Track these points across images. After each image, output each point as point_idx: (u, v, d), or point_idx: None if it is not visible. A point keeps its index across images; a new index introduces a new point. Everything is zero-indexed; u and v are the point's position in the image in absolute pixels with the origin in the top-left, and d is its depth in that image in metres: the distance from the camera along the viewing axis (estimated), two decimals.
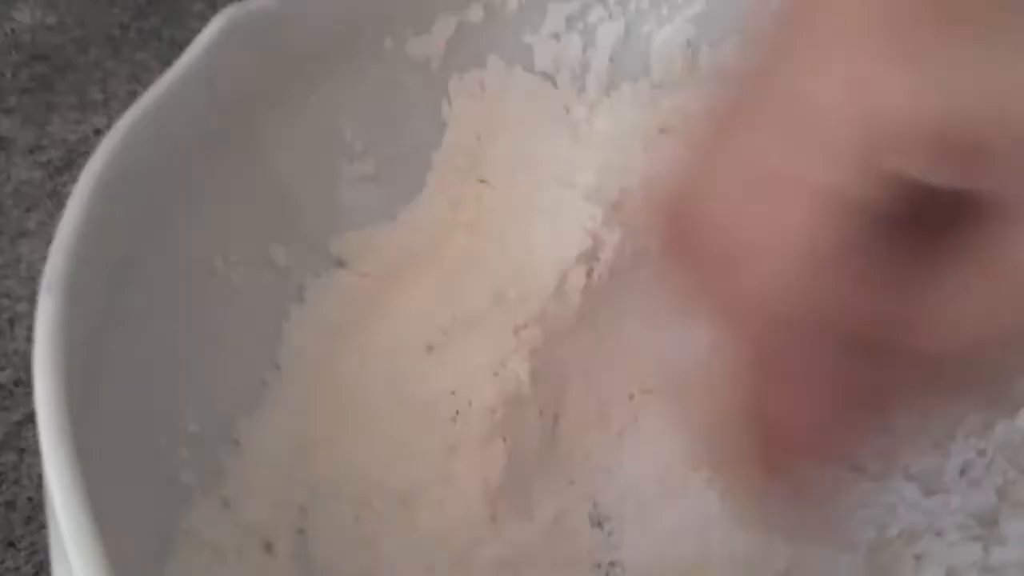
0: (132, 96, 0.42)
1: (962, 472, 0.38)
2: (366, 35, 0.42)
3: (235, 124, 0.37)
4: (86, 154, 0.34)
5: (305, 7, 0.38)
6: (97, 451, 0.25)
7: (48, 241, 0.27)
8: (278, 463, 0.36)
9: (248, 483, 0.35)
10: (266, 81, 0.38)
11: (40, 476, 0.38)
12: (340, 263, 0.42)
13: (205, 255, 0.37)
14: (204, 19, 0.35)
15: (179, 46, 0.35)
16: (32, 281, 0.51)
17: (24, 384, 0.48)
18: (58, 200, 0.55)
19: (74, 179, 0.29)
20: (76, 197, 0.29)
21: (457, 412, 0.38)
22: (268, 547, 0.35)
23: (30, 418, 0.45)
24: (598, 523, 0.39)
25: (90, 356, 0.27)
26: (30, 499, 0.44)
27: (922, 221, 0.18)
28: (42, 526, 0.42)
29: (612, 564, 0.37)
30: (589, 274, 0.43)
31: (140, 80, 0.61)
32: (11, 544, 0.43)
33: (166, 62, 0.34)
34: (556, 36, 0.48)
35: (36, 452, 0.28)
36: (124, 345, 0.32)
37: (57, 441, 0.23)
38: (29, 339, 0.25)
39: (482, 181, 0.46)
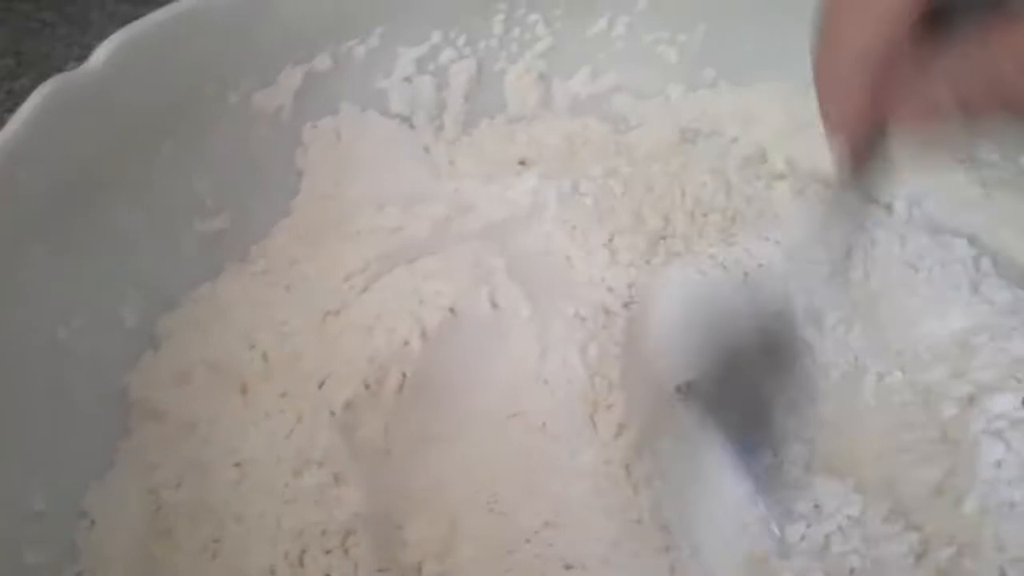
0: None
1: None
2: (207, 93, 0.42)
3: (70, 192, 0.37)
4: None
5: (134, 72, 0.38)
6: None
7: None
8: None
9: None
10: (100, 147, 0.38)
11: None
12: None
13: (46, 327, 0.36)
14: None
15: None
16: None
17: None
18: None
19: None
20: None
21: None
22: None
23: None
24: None
25: None
26: None
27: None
28: None
29: None
30: None
31: None
32: None
33: None
34: (408, 79, 0.48)
35: None
36: None
37: None
38: None
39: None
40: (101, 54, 0.37)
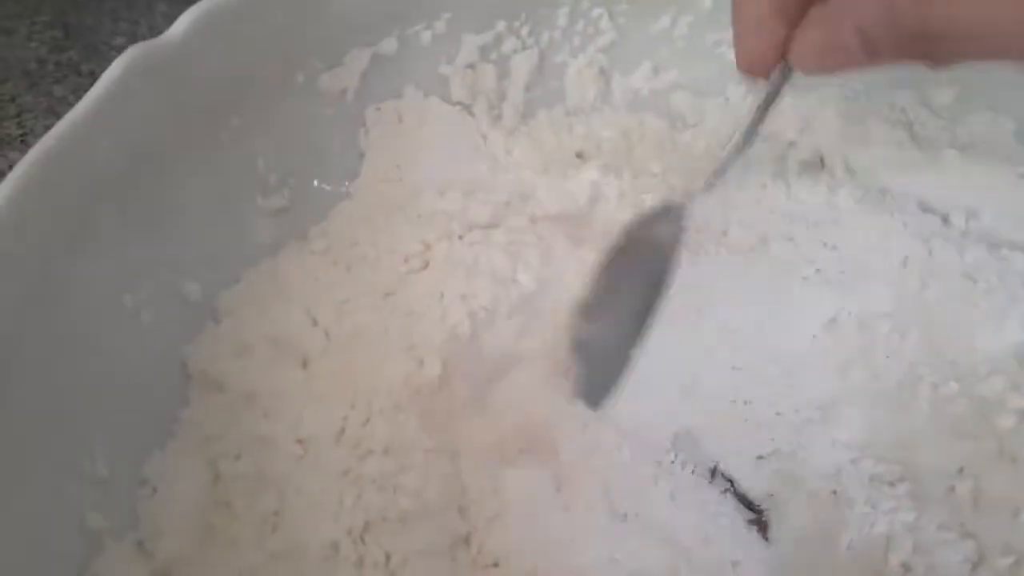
0: None
1: None
2: (276, 70, 0.42)
3: (143, 161, 0.37)
4: None
5: (212, 44, 0.38)
6: None
7: None
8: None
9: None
10: (174, 117, 0.38)
11: None
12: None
13: (112, 293, 0.37)
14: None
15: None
16: None
17: None
18: None
19: None
20: None
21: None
22: None
23: None
24: None
25: None
26: None
27: None
28: None
29: None
30: None
31: (58, 114, 0.60)
32: None
33: None
34: (472, 66, 0.48)
35: None
36: (28, 384, 0.32)
37: None
38: None
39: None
40: (182, 24, 0.37)
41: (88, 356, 0.35)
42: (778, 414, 0.40)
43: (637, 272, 0.35)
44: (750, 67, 0.32)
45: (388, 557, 0.34)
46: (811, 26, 0.29)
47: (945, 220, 0.45)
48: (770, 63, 0.31)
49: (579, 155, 0.50)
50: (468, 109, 0.49)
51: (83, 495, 0.34)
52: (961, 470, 0.37)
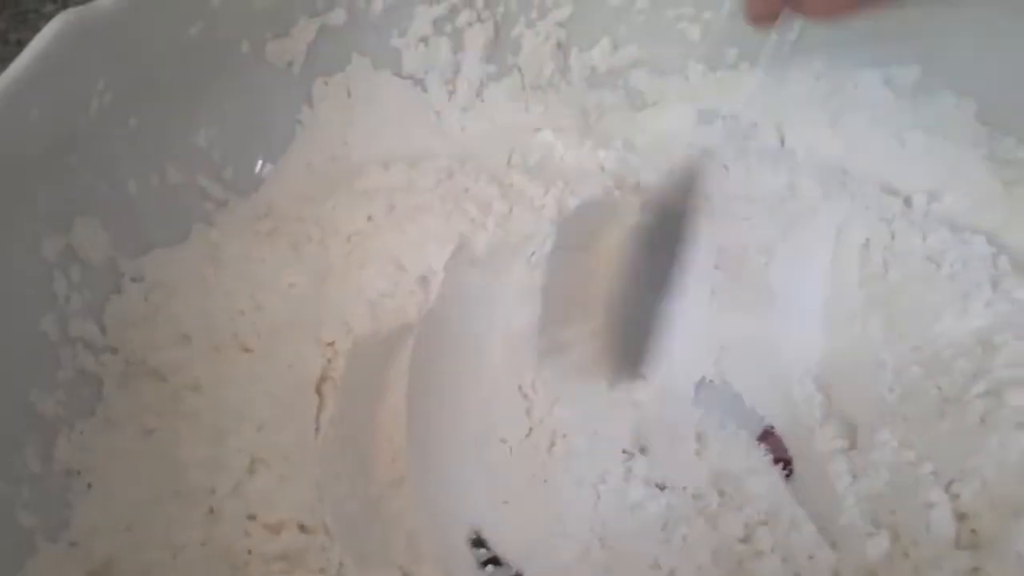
0: None
1: None
2: (219, 39, 0.40)
3: (74, 135, 0.35)
4: None
5: (147, 10, 0.36)
6: None
7: None
8: None
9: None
10: (107, 87, 0.36)
11: None
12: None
13: (42, 274, 0.34)
14: None
15: None
16: None
17: None
18: None
19: None
20: None
21: None
22: None
23: None
24: None
25: None
26: None
27: None
28: None
29: None
30: None
31: None
32: None
33: None
34: (424, 40, 0.46)
35: None
36: None
37: None
38: None
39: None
40: None
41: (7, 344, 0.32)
42: None
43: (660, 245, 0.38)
44: (757, 17, 0.34)
45: None
46: None
47: (907, 202, 0.45)
48: (777, 9, 0.33)
49: (537, 130, 0.48)
50: (421, 84, 0.47)
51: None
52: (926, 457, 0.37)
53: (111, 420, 0.35)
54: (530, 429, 0.39)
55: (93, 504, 0.33)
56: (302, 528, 0.34)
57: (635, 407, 0.41)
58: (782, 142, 0.48)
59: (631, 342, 0.40)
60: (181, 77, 0.39)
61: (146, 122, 0.38)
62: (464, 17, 0.46)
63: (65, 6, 0.59)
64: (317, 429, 0.36)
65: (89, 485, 0.33)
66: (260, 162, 0.44)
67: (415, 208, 0.42)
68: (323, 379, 0.37)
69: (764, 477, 0.38)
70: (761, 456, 0.39)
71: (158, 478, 0.34)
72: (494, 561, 0.36)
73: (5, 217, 0.32)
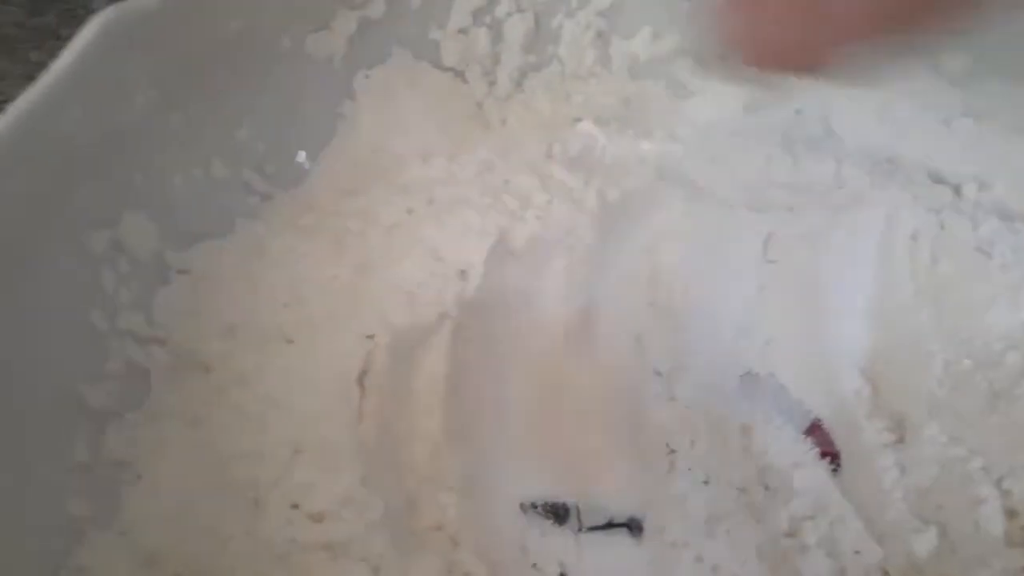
0: None
1: None
2: (261, 34, 0.40)
3: (118, 132, 0.35)
4: None
5: (190, 6, 0.36)
6: None
7: None
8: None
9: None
10: (151, 84, 0.36)
11: None
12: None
13: (90, 267, 0.35)
14: None
15: None
16: None
17: None
18: None
19: None
20: None
21: None
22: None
23: None
24: None
25: None
26: None
27: None
28: None
29: None
30: None
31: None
32: None
33: None
34: (464, 31, 0.46)
35: None
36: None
37: None
38: None
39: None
40: None
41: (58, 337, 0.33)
42: None
43: None
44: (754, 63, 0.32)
45: None
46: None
47: (957, 191, 0.44)
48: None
49: (577, 120, 0.48)
50: (461, 76, 0.47)
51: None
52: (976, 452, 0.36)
53: (159, 412, 0.36)
54: None
55: (142, 495, 0.34)
56: (344, 518, 0.34)
57: (679, 400, 0.40)
58: (828, 130, 0.47)
59: None
60: (223, 72, 0.39)
61: (190, 117, 0.39)
62: (503, 7, 0.46)
63: (110, 2, 0.60)
64: (358, 421, 0.36)
65: (139, 476, 0.34)
66: (302, 156, 0.44)
67: (455, 201, 0.42)
68: (364, 371, 0.38)
69: (810, 471, 0.38)
70: (808, 450, 0.39)
71: (204, 469, 0.34)
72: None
73: (53, 213, 0.32)
